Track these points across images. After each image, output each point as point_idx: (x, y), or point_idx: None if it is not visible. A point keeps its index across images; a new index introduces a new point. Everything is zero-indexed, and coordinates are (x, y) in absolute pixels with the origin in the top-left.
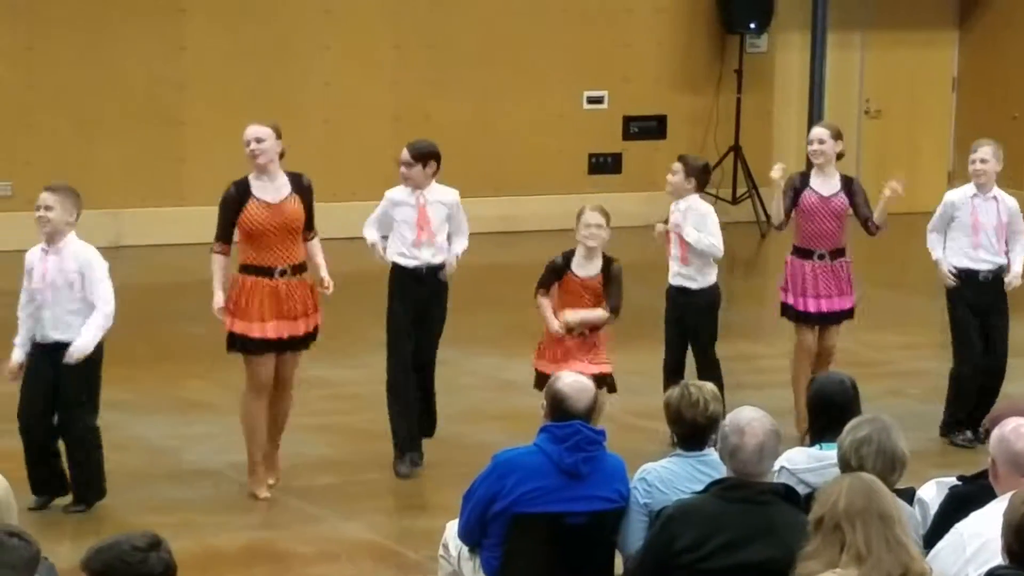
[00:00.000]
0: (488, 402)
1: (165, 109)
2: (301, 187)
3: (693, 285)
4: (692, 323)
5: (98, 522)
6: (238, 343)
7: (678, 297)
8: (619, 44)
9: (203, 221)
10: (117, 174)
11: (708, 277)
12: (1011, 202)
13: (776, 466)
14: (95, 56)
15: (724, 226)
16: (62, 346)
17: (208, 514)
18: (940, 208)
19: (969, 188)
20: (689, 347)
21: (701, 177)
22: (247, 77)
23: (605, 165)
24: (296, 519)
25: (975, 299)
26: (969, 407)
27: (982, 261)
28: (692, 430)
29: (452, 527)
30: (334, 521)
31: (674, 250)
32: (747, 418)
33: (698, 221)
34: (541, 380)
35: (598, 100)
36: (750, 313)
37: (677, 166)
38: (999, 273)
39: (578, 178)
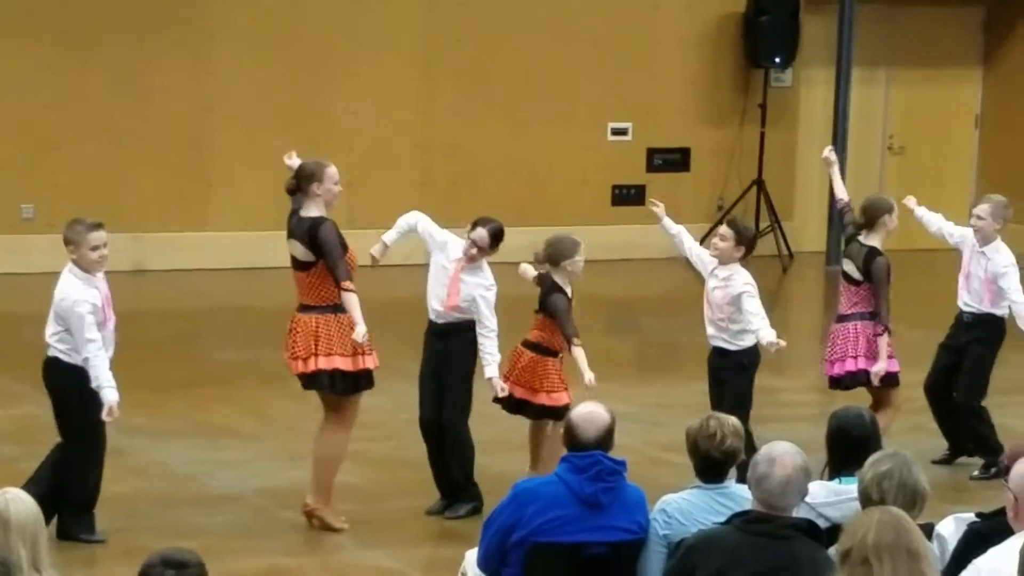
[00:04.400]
0: (510, 432)
1: (192, 134)
2: None
3: (730, 347)
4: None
5: (114, 546)
6: (368, 379)
7: (714, 358)
8: (645, 76)
9: (228, 246)
10: (142, 198)
11: (745, 340)
12: (996, 262)
13: None
14: (123, 79)
15: (746, 260)
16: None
17: (230, 539)
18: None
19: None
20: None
21: (750, 246)
22: (274, 103)
23: (629, 197)
24: (318, 546)
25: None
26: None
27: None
28: (706, 463)
29: (472, 556)
30: (355, 549)
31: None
32: (780, 451)
33: (735, 297)
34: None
35: (623, 132)
36: None
37: (728, 232)
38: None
39: (602, 209)
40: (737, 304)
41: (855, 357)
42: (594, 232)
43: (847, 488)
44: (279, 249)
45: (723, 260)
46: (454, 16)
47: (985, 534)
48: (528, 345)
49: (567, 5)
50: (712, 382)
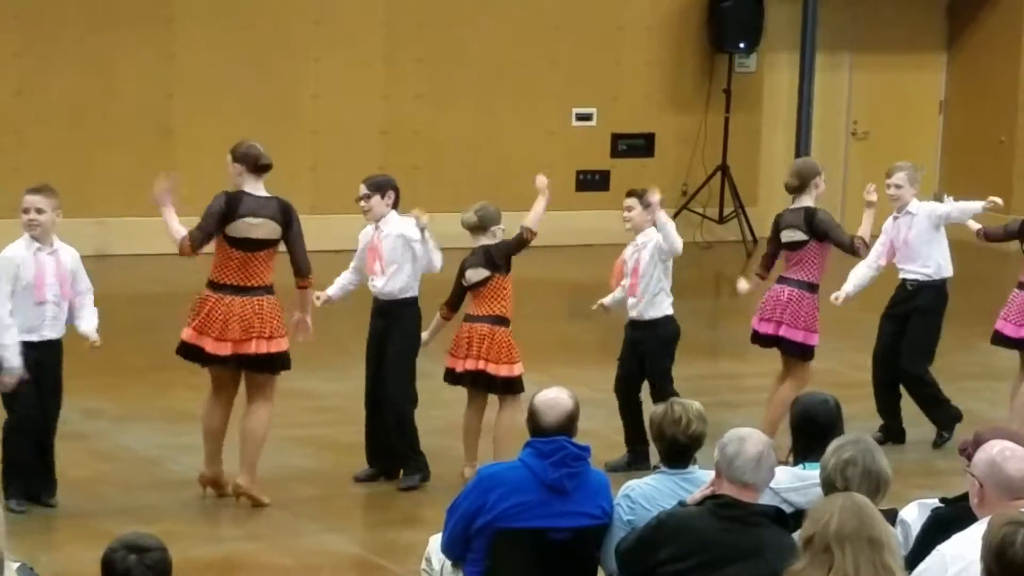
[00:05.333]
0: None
1: (156, 118)
2: None
3: (646, 316)
4: (648, 356)
5: (76, 529)
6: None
7: (632, 330)
8: (609, 62)
9: None
10: (106, 183)
11: (662, 308)
12: (925, 208)
13: None
14: (85, 63)
15: (711, 245)
16: (49, 344)
17: (190, 524)
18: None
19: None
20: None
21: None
22: (237, 87)
23: (593, 182)
24: (279, 531)
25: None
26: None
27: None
28: (673, 447)
29: (435, 541)
30: (317, 534)
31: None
32: (747, 431)
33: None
34: (448, 375)
35: (587, 117)
36: (735, 332)
37: (632, 201)
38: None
39: (566, 195)
40: (658, 256)
41: (779, 322)
42: (558, 217)
43: (811, 474)
44: None
45: (638, 229)
46: (418, 0)
47: (949, 520)
48: (478, 319)
49: None
50: (631, 355)
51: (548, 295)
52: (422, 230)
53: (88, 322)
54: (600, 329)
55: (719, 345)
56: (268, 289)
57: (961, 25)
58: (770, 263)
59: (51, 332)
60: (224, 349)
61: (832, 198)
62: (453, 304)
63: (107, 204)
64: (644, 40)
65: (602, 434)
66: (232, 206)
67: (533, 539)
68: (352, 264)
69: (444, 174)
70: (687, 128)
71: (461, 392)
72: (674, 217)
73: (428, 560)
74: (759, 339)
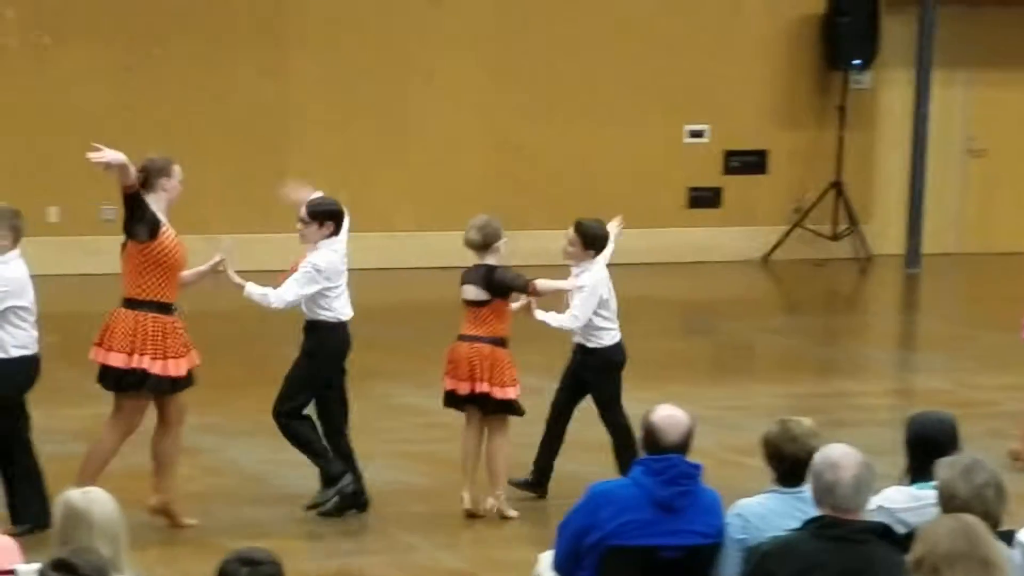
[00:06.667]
0: (583, 434)
1: (264, 135)
2: None
3: (589, 344)
4: (590, 384)
5: (191, 543)
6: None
7: (576, 354)
8: (722, 78)
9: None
10: (213, 198)
11: (603, 337)
12: None
13: (873, 505)
14: (195, 79)
15: (824, 263)
16: None
17: (302, 539)
18: None
19: None
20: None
21: (598, 244)
22: (346, 104)
23: (705, 199)
24: (390, 547)
25: None
26: None
27: None
28: (793, 466)
29: (546, 558)
30: (428, 550)
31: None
32: (838, 453)
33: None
34: (449, 398)
35: (699, 134)
36: (848, 350)
37: (573, 236)
38: None
39: (677, 212)
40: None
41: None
42: (669, 234)
43: (926, 494)
44: (359, 251)
45: (576, 261)
46: (530, 16)
47: None
48: (479, 339)
49: (645, 6)
50: (573, 379)
51: (659, 312)
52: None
53: None
54: (711, 346)
55: (832, 363)
56: None
57: None
58: None
59: None
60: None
61: (947, 216)
62: None
63: (216, 221)
64: (759, 56)
65: (714, 452)
66: None
67: (644, 557)
68: None
69: (551, 190)
70: (801, 145)
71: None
72: (787, 235)
73: None
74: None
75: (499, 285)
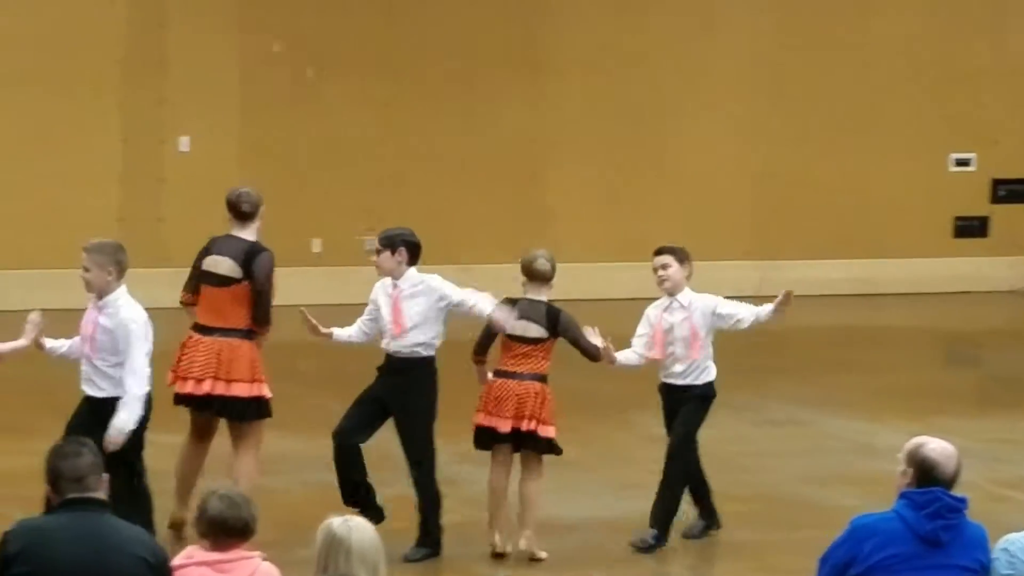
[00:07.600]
0: (847, 466)
1: (522, 164)
2: None
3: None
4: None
5: (455, 573)
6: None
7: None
8: (989, 105)
9: (567, 277)
10: (470, 229)
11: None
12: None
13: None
14: (452, 110)
15: None
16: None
17: (567, 568)
18: None
19: None
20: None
21: (689, 259)
22: (608, 133)
23: (971, 228)
24: None
25: None
26: None
27: None
28: None
29: None
30: None
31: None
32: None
33: (711, 315)
34: (487, 435)
35: (965, 163)
36: None
37: (667, 258)
38: None
39: (943, 241)
40: (710, 322)
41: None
42: (935, 264)
43: None
44: (619, 282)
45: (675, 290)
46: (793, 45)
47: None
48: (526, 376)
49: (909, 33)
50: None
51: (924, 343)
52: None
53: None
54: (977, 377)
55: None
56: None
57: None
58: None
59: (86, 387)
60: None
61: None
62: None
63: (471, 250)
64: None
65: (980, 486)
66: None
67: None
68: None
69: (812, 219)
70: None
71: (836, 441)
72: None
73: None
74: None
75: (570, 341)
